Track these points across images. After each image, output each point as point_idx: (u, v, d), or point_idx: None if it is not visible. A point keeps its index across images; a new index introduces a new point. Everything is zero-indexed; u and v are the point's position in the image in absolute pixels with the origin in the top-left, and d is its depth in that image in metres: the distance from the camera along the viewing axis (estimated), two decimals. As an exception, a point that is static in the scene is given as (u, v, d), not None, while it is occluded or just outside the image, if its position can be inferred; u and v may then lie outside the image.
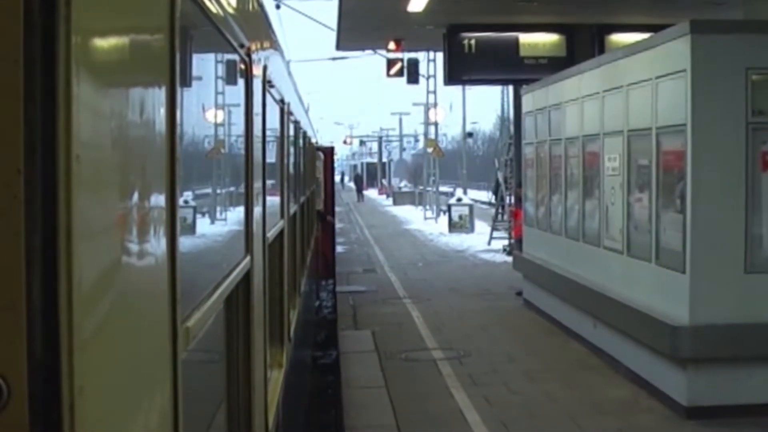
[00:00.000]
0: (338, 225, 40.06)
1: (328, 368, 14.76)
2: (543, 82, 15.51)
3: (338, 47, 24.77)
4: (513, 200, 24.50)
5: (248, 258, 3.64)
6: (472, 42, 19.33)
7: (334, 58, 40.83)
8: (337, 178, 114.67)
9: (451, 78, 19.81)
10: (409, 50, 25.62)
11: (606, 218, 11.95)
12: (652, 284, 10.26)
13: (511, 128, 44.56)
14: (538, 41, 19.10)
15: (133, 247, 1.68)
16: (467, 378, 11.13)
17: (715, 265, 9.20)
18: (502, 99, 66.17)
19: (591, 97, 12.58)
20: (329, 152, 24.94)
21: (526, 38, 19.09)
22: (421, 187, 51.35)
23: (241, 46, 3.46)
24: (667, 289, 9.79)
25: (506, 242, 26.01)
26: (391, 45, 22.59)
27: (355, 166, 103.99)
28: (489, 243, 28.02)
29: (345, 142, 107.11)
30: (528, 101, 16.60)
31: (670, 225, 9.78)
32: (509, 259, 23.14)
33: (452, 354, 12.47)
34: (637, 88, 10.73)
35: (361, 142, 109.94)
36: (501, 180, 28.56)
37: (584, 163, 12.98)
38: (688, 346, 9.17)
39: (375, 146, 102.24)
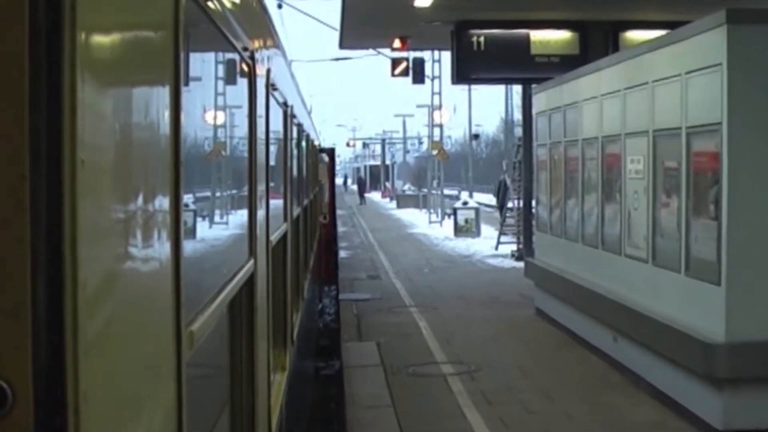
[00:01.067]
0: (341, 229, 39.40)
1: (331, 382, 14.00)
2: (557, 80, 14.75)
3: (341, 46, 24.01)
4: (521, 203, 23.77)
5: (252, 261, 3.64)
6: (481, 39, 18.57)
7: (336, 59, 40.18)
8: (340, 180, 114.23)
9: (459, 77, 19.04)
10: (414, 50, 24.90)
11: (628, 224, 11.19)
12: (681, 297, 9.49)
13: (516, 130, 43.82)
14: (549, 39, 18.33)
15: (138, 252, 1.69)
16: (480, 395, 10.38)
17: (754, 277, 8.43)
18: (506, 100, 65.50)
19: (611, 95, 11.82)
20: (330, 153, 24.27)
21: (537, 35, 18.32)
22: (425, 190, 50.60)
23: (245, 49, 3.47)
24: (699, 302, 9.02)
25: (514, 247, 25.29)
26: (397, 43, 21.82)
27: (357, 169, 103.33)
28: (496, 248, 27.28)
29: (348, 145, 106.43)
30: (541, 101, 15.85)
31: (703, 233, 9.01)
32: (517, 264, 22.42)
33: (462, 368, 11.71)
34: (664, 84, 9.97)
35: (364, 145, 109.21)
36: (509, 183, 27.81)
37: (603, 166, 12.22)
38: (725, 365, 8.40)
39: (378, 149, 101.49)
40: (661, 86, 10.08)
